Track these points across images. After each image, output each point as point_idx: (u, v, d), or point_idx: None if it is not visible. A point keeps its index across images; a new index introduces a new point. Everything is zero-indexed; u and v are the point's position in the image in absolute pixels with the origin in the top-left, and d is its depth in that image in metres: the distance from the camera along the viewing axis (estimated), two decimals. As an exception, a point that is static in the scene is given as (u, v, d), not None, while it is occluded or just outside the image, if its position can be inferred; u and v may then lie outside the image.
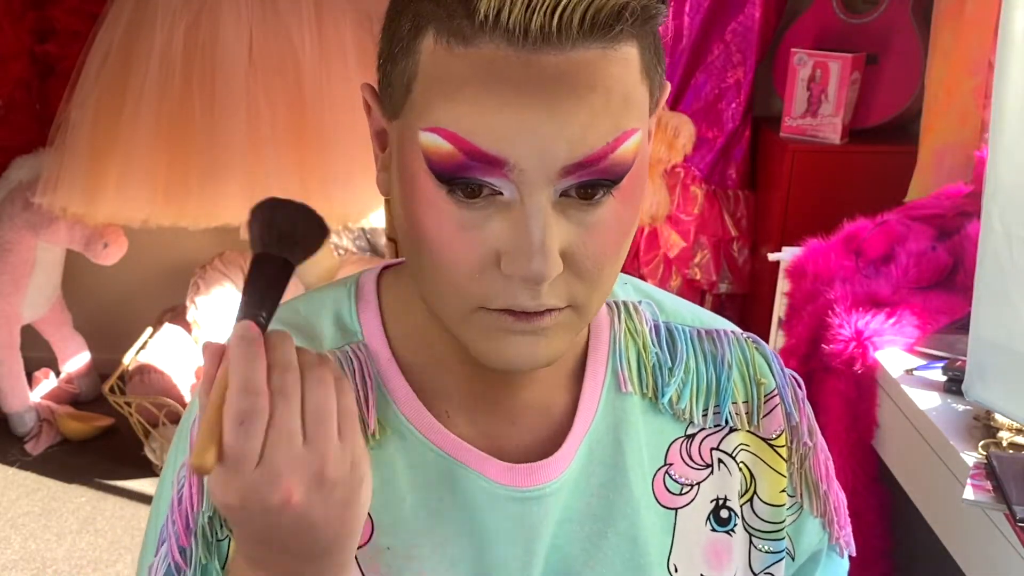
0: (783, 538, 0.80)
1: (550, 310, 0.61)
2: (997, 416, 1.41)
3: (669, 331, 0.77)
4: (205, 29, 2.63)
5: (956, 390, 1.49)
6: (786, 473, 0.79)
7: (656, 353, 0.76)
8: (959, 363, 1.52)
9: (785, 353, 1.89)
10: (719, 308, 3.01)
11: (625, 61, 0.58)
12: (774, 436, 0.78)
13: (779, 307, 2.21)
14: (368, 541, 0.69)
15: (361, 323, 0.72)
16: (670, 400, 0.75)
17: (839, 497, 0.85)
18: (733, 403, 0.77)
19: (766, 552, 0.79)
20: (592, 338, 0.75)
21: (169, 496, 0.71)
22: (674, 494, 0.75)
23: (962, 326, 1.58)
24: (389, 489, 0.69)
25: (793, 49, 2.72)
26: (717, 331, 0.79)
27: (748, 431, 0.77)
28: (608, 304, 0.76)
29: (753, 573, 0.79)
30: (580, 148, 0.57)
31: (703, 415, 0.76)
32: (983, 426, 1.42)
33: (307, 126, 2.67)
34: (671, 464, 0.75)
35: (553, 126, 0.56)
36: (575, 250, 0.60)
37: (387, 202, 2.99)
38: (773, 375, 0.79)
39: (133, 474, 2.83)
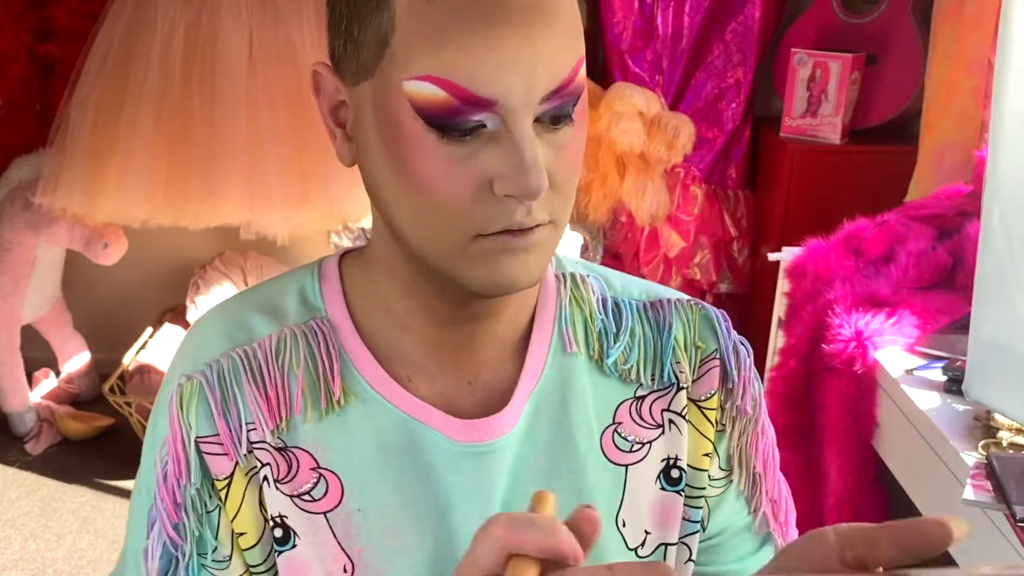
0: (701, 507, 0.80)
1: (539, 225, 0.65)
2: (997, 416, 1.41)
3: (616, 303, 0.80)
4: (205, 29, 2.63)
5: (956, 390, 1.49)
6: (713, 438, 0.79)
7: (601, 319, 0.78)
8: (959, 363, 1.52)
9: (785, 353, 1.89)
10: (719, 308, 3.00)
11: None
12: (703, 398, 0.79)
13: (779, 307, 2.21)
14: (338, 504, 0.72)
15: (324, 299, 0.75)
16: (615, 362, 0.77)
17: (780, 490, 0.84)
18: (677, 363, 0.78)
19: (685, 520, 0.79)
20: (540, 304, 0.77)
21: (148, 481, 0.74)
22: (623, 451, 0.77)
23: (962, 326, 1.58)
24: (356, 453, 0.72)
25: (793, 49, 2.72)
26: (663, 300, 0.81)
27: (685, 390, 0.78)
28: (556, 275, 0.79)
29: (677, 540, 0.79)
30: (555, 77, 0.61)
31: (651, 378, 0.78)
32: (983, 426, 1.42)
33: (307, 126, 2.67)
34: (620, 423, 0.77)
35: (533, 57, 0.60)
36: (552, 169, 0.64)
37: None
38: (718, 338, 0.80)
39: (133, 474, 2.77)
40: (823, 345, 1.73)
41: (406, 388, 0.73)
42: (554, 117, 0.63)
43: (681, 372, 0.78)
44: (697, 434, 0.79)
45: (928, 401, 1.52)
